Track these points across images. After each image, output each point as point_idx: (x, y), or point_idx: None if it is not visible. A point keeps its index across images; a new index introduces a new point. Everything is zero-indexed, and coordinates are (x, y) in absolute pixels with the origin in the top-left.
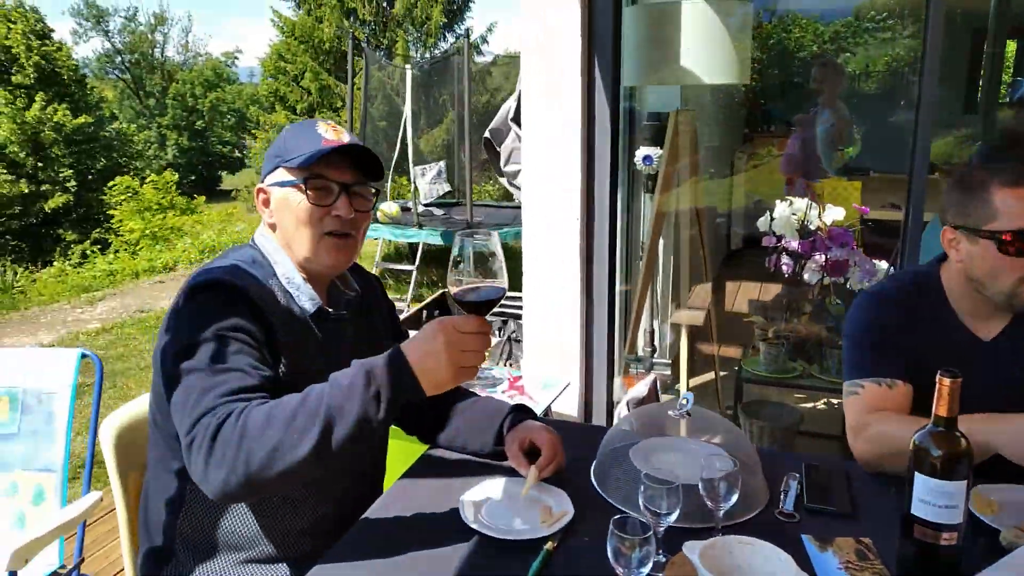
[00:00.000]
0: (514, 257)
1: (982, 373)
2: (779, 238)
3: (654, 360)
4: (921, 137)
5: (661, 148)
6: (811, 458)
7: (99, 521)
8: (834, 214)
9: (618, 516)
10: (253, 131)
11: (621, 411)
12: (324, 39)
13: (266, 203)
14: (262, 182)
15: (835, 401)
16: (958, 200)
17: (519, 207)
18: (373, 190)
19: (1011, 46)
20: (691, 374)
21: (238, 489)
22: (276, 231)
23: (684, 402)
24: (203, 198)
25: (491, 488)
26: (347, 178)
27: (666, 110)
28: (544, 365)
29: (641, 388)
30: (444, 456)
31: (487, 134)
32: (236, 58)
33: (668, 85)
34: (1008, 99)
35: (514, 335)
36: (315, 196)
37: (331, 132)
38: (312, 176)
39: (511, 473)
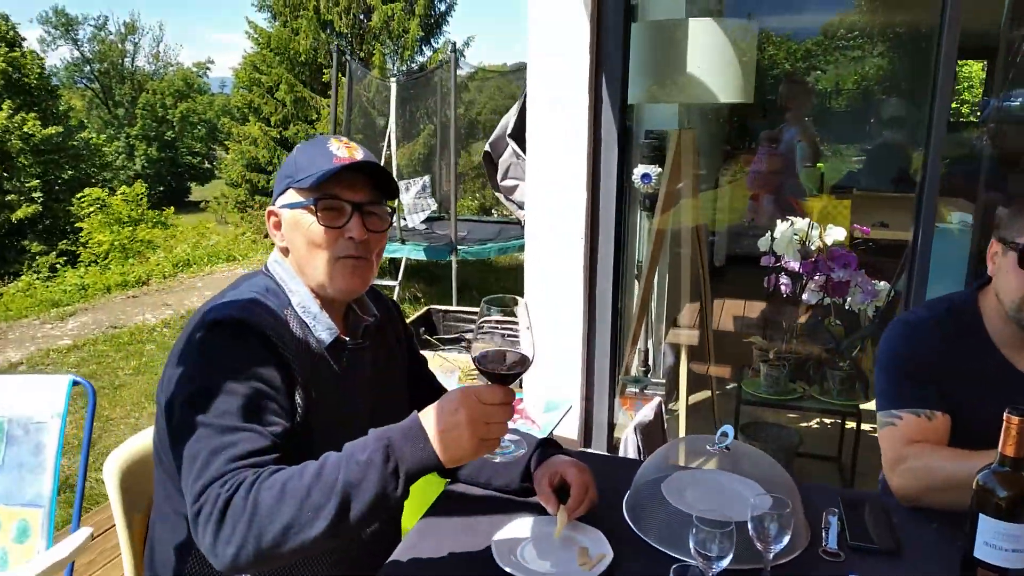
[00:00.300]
0: (496, 271)
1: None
2: (778, 258)
3: (649, 380)
4: (932, 157)
5: (658, 165)
6: (845, 491)
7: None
8: (835, 234)
9: (677, 564)
10: (225, 142)
11: (628, 436)
12: (300, 51)
13: (277, 226)
14: (273, 204)
15: (828, 421)
16: (1011, 214)
17: (501, 222)
18: (389, 208)
19: (976, 66)
20: (687, 393)
21: (248, 565)
22: (289, 256)
23: (724, 435)
24: (172, 209)
25: (522, 528)
26: (360, 197)
27: (663, 128)
28: (545, 387)
29: (647, 412)
30: (466, 492)
31: (487, 147)
32: (208, 68)
33: (674, 103)
34: (980, 118)
35: None
36: (326, 217)
37: (343, 149)
38: (323, 196)
39: (539, 510)
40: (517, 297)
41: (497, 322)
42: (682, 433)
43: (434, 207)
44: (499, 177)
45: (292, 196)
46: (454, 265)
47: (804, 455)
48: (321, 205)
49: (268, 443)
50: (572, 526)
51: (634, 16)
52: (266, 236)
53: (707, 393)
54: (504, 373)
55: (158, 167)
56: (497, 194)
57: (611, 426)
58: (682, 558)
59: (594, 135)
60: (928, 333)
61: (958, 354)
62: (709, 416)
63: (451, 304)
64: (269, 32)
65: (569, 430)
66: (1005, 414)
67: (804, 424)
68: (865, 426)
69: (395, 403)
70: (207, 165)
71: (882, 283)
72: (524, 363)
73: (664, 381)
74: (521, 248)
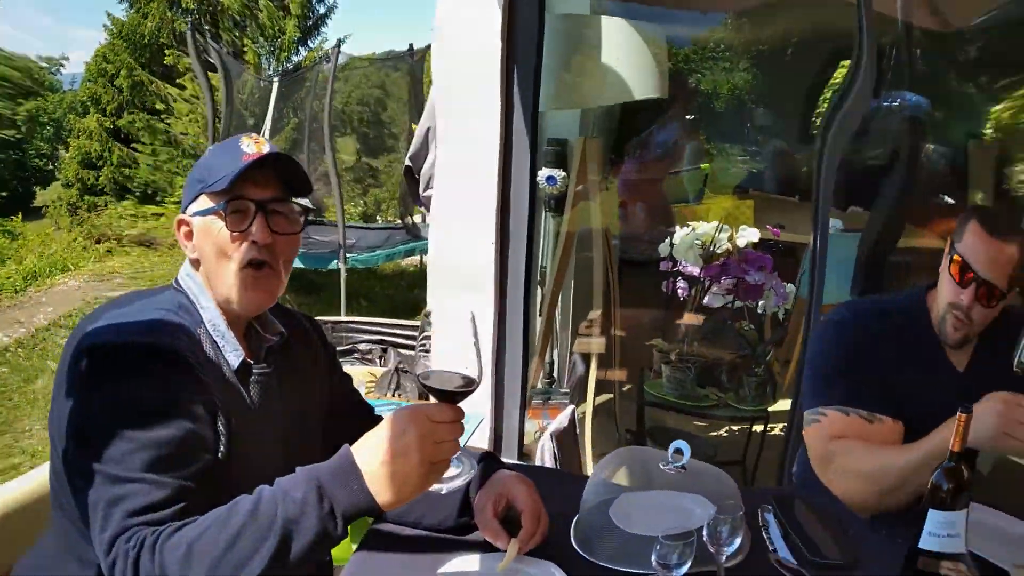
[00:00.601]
0: (380, 279)
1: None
2: (675, 262)
3: (556, 391)
4: (828, 162)
5: (561, 169)
6: (771, 491)
7: None
8: (748, 236)
9: None
10: (67, 139)
11: (544, 443)
12: (145, 33)
13: (188, 236)
14: (184, 212)
15: (736, 428)
16: (960, 220)
17: (387, 227)
18: (300, 208)
19: (839, 74)
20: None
21: None
22: (200, 267)
23: (679, 453)
24: (19, 216)
25: (467, 563)
26: (266, 194)
27: (564, 136)
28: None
29: (562, 419)
30: (395, 530)
31: (407, 161)
32: (62, 65)
33: (587, 106)
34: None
35: (401, 366)
36: (232, 221)
37: (253, 145)
38: (233, 198)
39: (485, 546)
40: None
41: None
42: (589, 437)
43: (311, 207)
44: (421, 188)
45: (204, 202)
46: (343, 273)
47: (716, 463)
48: (230, 207)
49: (166, 494)
50: (518, 559)
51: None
52: (98, 241)
53: (609, 395)
54: (453, 391)
55: (1, 172)
56: (421, 208)
57: (521, 437)
58: (638, 571)
59: (506, 132)
60: (868, 331)
61: (901, 353)
62: (611, 419)
63: (338, 314)
64: (123, 21)
65: (479, 442)
66: (958, 413)
67: (714, 433)
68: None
69: (310, 432)
70: (51, 166)
71: (790, 285)
72: (473, 380)
73: (569, 391)
74: (408, 253)
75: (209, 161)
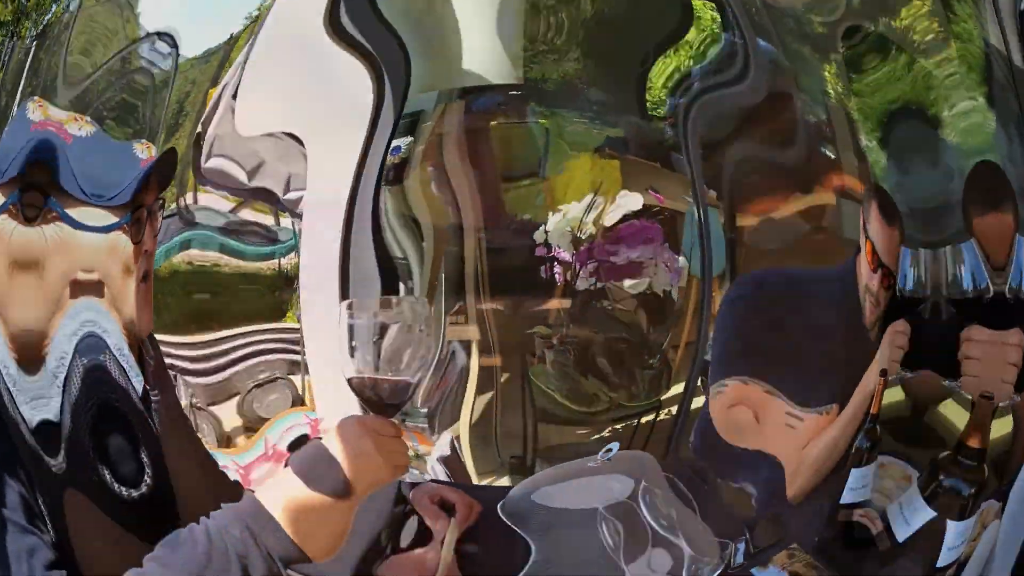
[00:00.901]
0: (245, 278)
1: None
2: (550, 248)
3: (412, 411)
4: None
5: (410, 135)
6: None
7: None
8: (631, 203)
9: None
10: None
11: (434, 468)
12: None
13: None
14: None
15: (620, 428)
16: (865, 197)
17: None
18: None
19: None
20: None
21: None
22: (104, 290)
23: (609, 451)
24: None
25: None
26: (151, 196)
27: (418, 108)
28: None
29: (443, 447)
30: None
31: (199, 127)
32: None
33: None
34: None
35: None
36: (134, 231)
37: (145, 151)
38: (135, 208)
39: None
40: (396, 297)
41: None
42: (472, 467)
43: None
44: (203, 159)
45: (105, 217)
46: None
47: None
48: (133, 218)
49: (52, 556)
50: None
51: None
52: None
53: (488, 397)
54: (392, 403)
55: None
56: (283, 216)
57: None
58: None
59: (374, 114)
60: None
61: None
62: (490, 444)
63: None
64: None
65: None
66: (977, 398)
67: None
68: None
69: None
70: None
71: (682, 259)
72: (409, 387)
73: (423, 410)
74: (266, 256)
75: (101, 172)
